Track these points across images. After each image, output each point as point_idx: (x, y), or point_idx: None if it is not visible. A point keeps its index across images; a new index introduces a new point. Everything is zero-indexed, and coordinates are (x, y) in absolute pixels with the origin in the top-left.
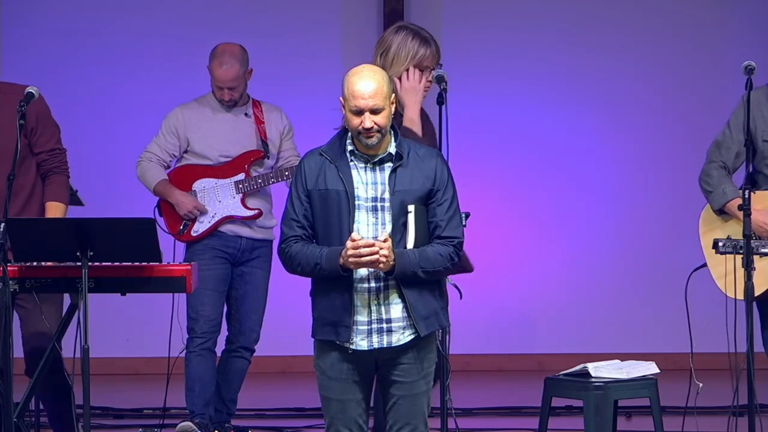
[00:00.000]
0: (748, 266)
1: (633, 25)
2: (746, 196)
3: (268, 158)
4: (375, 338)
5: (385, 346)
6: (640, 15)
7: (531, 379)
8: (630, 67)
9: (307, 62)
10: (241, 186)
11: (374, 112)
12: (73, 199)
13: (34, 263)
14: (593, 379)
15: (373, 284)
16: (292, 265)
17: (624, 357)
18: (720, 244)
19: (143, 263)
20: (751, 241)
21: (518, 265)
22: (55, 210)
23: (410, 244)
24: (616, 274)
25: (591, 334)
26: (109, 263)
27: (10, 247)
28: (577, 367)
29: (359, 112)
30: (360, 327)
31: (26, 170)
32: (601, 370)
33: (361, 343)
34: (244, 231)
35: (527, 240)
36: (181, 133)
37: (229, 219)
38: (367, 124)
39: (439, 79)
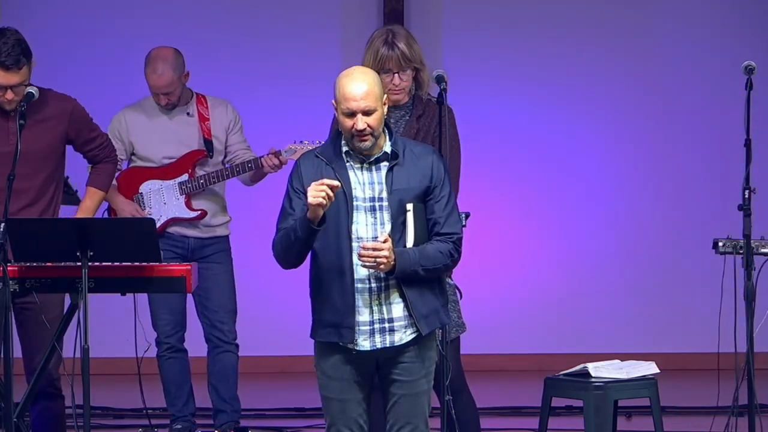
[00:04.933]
0: (749, 266)
1: (633, 25)
2: (746, 196)
3: (212, 156)
4: (378, 338)
5: (387, 345)
6: (640, 16)
7: (531, 379)
8: (630, 67)
9: (307, 62)
10: (184, 187)
11: (366, 113)
12: (73, 200)
13: (34, 263)
14: (593, 379)
15: (373, 284)
16: (278, 249)
17: (624, 357)
18: (720, 244)
19: (143, 263)
20: (751, 241)
21: (518, 265)
22: (90, 195)
23: (410, 243)
24: (616, 274)
25: (591, 334)
26: (109, 263)
27: (10, 247)
28: (577, 367)
29: (351, 114)
30: (362, 327)
31: (50, 176)
32: (601, 370)
33: (363, 343)
34: (190, 232)
35: (527, 240)
36: (125, 138)
37: (175, 221)
38: (360, 125)
39: (439, 79)
